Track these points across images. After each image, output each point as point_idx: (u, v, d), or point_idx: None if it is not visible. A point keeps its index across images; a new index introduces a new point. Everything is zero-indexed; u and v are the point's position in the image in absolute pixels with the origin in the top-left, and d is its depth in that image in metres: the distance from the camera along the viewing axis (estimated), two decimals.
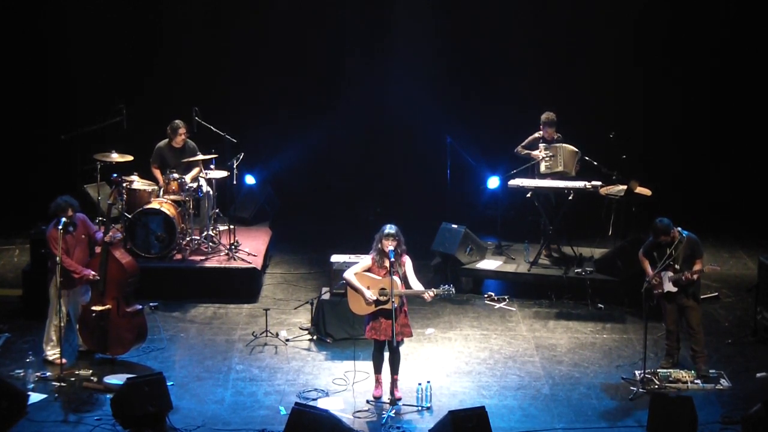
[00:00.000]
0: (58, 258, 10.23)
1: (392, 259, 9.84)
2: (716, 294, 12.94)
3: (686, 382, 10.46)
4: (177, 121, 13.13)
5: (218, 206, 13.67)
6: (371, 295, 9.93)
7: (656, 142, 15.82)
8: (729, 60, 15.80)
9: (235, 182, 13.50)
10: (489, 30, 15.85)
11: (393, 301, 9.80)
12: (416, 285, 10.04)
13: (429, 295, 9.95)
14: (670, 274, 10.44)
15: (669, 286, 10.45)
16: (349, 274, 10.08)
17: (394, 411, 9.88)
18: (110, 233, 10.67)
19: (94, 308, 10.56)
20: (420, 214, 15.08)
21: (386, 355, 10.11)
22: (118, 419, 9.34)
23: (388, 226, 10.02)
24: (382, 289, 9.91)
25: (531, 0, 15.82)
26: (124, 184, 12.87)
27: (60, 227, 10.22)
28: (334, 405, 9.90)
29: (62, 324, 10.51)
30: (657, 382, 10.42)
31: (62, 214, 10.37)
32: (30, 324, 11.57)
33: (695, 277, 10.40)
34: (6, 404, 9.37)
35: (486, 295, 12.97)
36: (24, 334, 11.48)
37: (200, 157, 13.14)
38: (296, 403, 9.18)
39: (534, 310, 12.58)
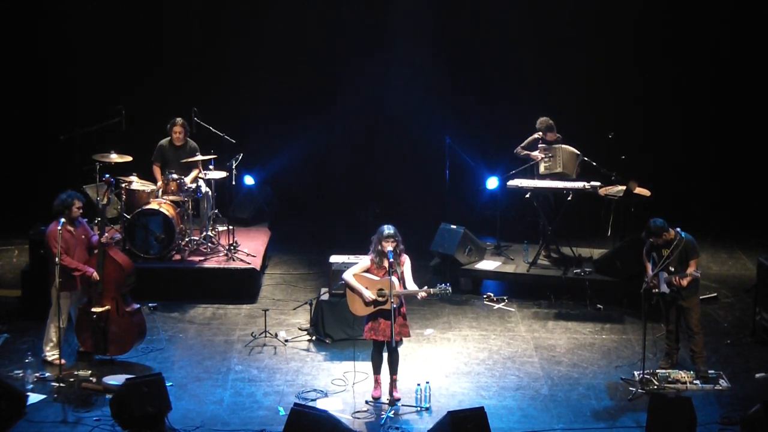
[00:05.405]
0: (57, 258, 10.23)
1: (391, 260, 9.85)
2: (715, 294, 12.94)
3: (685, 383, 10.46)
4: (177, 118, 13.18)
5: (217, 207, 13.67)
6: (370, 294, 9.93)
7: (656, 143, 15.82)
8: (729, 60, 15.81)
9: (234, 183, 13.51)
10: (488, 30, 15.85)
11: (392, 302, 9.81)
12: (411, 285, 10.04)
13: (421, 295, 9.94)
14: (665, 275, 10.44)
15: (664, 287, 10.44)
16: (348, 275, 10.08)
17: (393, 411, 9.88)
18: (106, 234, 10.69)
19: (93, 310, 10.56)
20: (419, 214, 15.09)
21: (385, 355, 10.12)
22: (117, 420, 9.34)
23: (386, 226, 10.01)
24: (380, 289, 9.92)
25: (530, 0, 15.83)
26: (123, 185, 12.89)
27: (59, 227, 10.21)
28: (333, 405, 9.90)
29: (62, 325, 10.52)
30: (656, 383, 10.42)
31: (67, 210, 10.39)
32: (29, 325, 11.57)
33: (684, 283, 10.40)
34: (5, 405, 9.36)
35: (485, 296, 12.97)
36: (23, 334, 11.48)
37: (199, 157, 13.15)
38: (295, 404, 9.18)
39: (533, 311, 12.58)
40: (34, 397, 9.96)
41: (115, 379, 10.11)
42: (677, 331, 10.79)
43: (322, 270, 13.13)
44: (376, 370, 10.16)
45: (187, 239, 13.07)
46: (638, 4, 15.69)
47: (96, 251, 10.63)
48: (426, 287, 10.04)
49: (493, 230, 14.08)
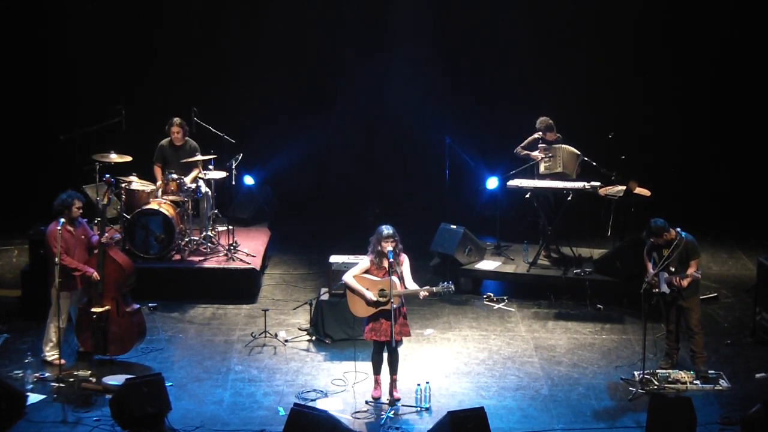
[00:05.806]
0: (57, 258, 10.22)
1: (391, 260, 9.84)
2: (715, 294, 12.94)
3: (685, 383, 10.46)
4: (174, 118, 13.19)
5: (217, 207, 13.66)
6: (372, 295, 9.92)
7: (655, 143, 15.81)
8: (729, 60, 15.81)
9: (233, 183, 13.51)
10: (488, 30, 15.85)
11: (392, 302, 9.81)
12: (411, 285, 10.03)
13: (423, 294, 9.94)
14: (666, 275, 10.44)
15: (664, 287, 10.43)
16: (348, 277, 10.07)
17: (393, 412, 9.88)
18: (107, 235, 10.70)
19: (93, 310, 10.56)
20: (419, 214, 15.09)
21: (385, 355, 10.11)
22: (117, 420, 9.33)
23: (385, 227, 10.00)
24: (381, 290, 9.91)
25: (530, 0, 15.83)
26: (123, 185, 12.89)
27: (59, 227, 10.21)
28: (333, 406, 9.90)
29: (62, 325, 10.52)
30: (656, 383, 10.42)
31: (67, 210, 10.39)
32: (29, 325, 11.57)
33: (684, 283, 10.40)
34: (5, 405, 9.35)
35: (485, 296, 12.97)
36: (23, 334, 11.48)
37: (199, 157, 13.15)
38: (295, 404, 9.18)
39: (533, 311, 12.58)
40: (34, 397, 9.96)
41: (114, 379, 10.11)
42: (677, 331, 10.78)
43: (322, 270, 13.12)
44: (376, 371, 10.16)
45: (187, 239, 13.07)
46: (638, 4, 15.68)
47: (96, 251, 10.63)
48: (427, 287, 10.03)
49: (493, 230, 14.07)
